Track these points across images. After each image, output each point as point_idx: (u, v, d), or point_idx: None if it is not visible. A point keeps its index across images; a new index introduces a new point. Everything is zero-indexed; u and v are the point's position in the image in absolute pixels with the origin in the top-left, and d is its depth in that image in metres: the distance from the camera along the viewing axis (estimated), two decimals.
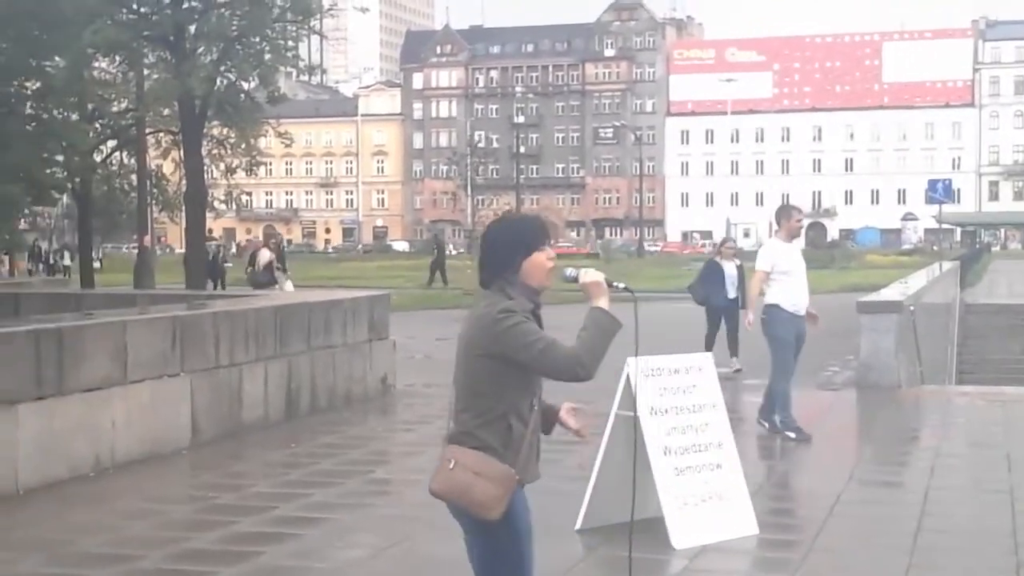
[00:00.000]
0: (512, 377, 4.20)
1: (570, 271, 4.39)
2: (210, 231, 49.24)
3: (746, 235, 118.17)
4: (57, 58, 33.47)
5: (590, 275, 4.33)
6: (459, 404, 4.30)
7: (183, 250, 45.46)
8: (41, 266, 45.66)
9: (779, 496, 8.95)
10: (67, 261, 47.49)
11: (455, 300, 30.56)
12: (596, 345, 4.18)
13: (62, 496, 8.86)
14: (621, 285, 4.41)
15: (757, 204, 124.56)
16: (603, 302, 4.27)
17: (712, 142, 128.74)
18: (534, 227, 4.37)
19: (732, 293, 17.64)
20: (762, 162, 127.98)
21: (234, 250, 41.64)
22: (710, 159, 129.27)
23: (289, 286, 29.59)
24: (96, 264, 52.40)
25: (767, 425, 11.42)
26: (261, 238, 34.84)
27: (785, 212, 11.90)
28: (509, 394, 4.21)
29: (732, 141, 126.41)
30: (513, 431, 4.22)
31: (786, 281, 11.40)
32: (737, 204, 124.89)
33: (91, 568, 6.91)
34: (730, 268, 17.60)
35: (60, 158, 36.54)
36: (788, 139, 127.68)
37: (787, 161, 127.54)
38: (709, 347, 17.35)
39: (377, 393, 14.39)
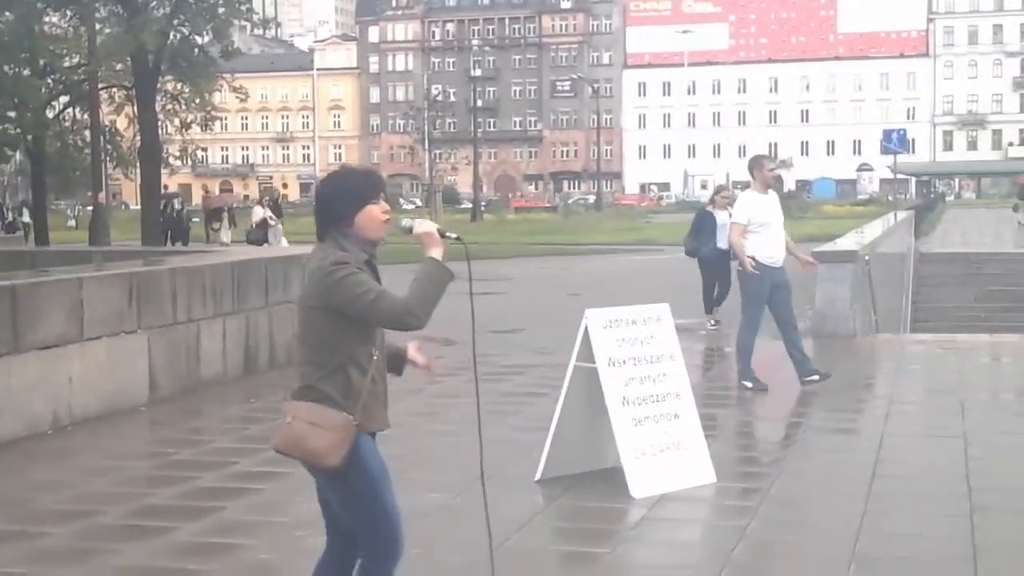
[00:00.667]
0: (348, 328, 4.26)
1: (405, 222, 4.44)
2: (165, 187, 48.74)
3: (703, 187, 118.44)
4: (7, 12, 33.01)
5: (423, 226, 4.38)
6: (300, 357, 4.38)
7: (138, 206, 45.17)
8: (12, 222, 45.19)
9: (736, 445, 9.04)
10: (26, 218, 46.80)
11: (415, 254, 30.51)
12: (427, 295, 4.26)
13: (21, 454, 8.82)
14: (453, 235, 4.50)
15: (714, 156, 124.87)
16: (436, 252, 4.34)
17: (669, 94, 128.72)
18: (366, 180, 4.42)
19: (723, 244, 17.22)
20: (719, 114, 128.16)
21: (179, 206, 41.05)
22: (667, 111, 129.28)
23: (284, 242, 29.56)
24: (72, 223, 51.55)
25: (749, 385, 11.30)
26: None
27: (757, 162, 11.85)
28: (346, 345, 4.28)
29: (689, 93, 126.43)
30: (352, 381, 4.28)
31: (764, 233, 11.30)
32: (694, 156, 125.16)
33: (52, 525, 6.90)
34: (723, 218, 16.85)
35: (12, 114, 36.12)
36: (744, 90, 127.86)
37: (744, 112, 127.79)
38: (708, 300, 17.31)
39: None
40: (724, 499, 7.62)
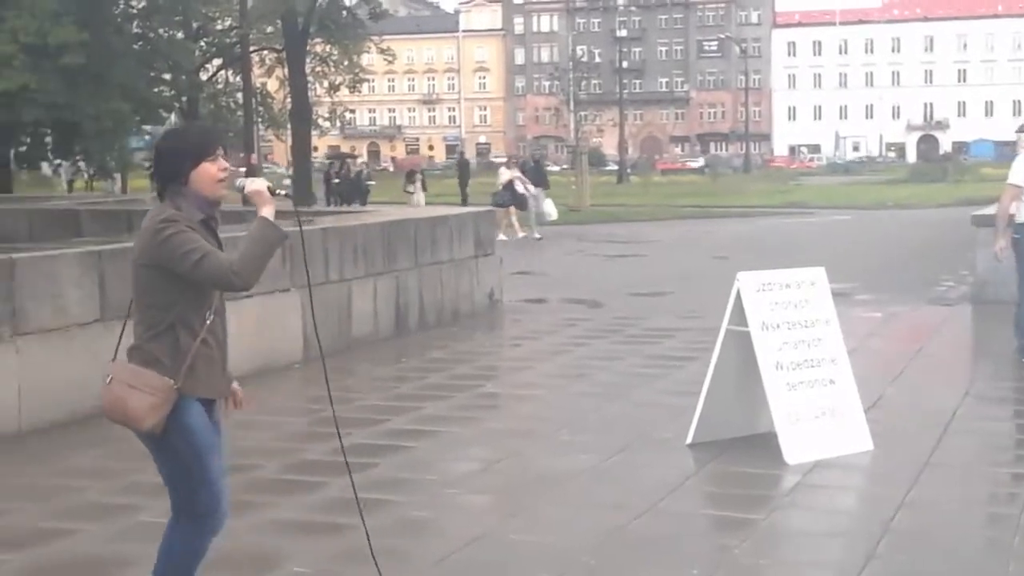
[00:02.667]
0: (179, 289, 4.16)
1: (239, 181, 4.33)
2: (315, 148, 49.55)
3: (855, 149, 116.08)
4: None
5: (253, 184, 4.27)
6: (134, 317, 4.28)
7: (288, 167, 45.89)
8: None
9: (894, 412, 8.81)
10: None
11: (561, 216, 30.44)
12: (255, 255, 4.14)
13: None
14: (283, 192, 4.36)
15: (867, 117, 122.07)
16: (267, 211, 4.21)
17: (820, 54, 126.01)
18: (201, 137, 4.33)
19: None
20: (872, 74, 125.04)
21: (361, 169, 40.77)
22: (818, 71, 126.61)
23: (549, 206, 28.77)
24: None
25: None
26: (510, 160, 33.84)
27: None
28: (177, 306, 4.18)
29: (840, 53, 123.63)
30: (180, 343, 4.18)
31: None
32: (846, 117, 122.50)
33: None
34: None
35: (167, 77, 37.01)
36: (898, 50, 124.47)
37: (897, 73, 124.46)
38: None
39: (484, 309, 14.43)
40: (880, 466, 7.43)
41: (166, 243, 4.09)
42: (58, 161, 38.66)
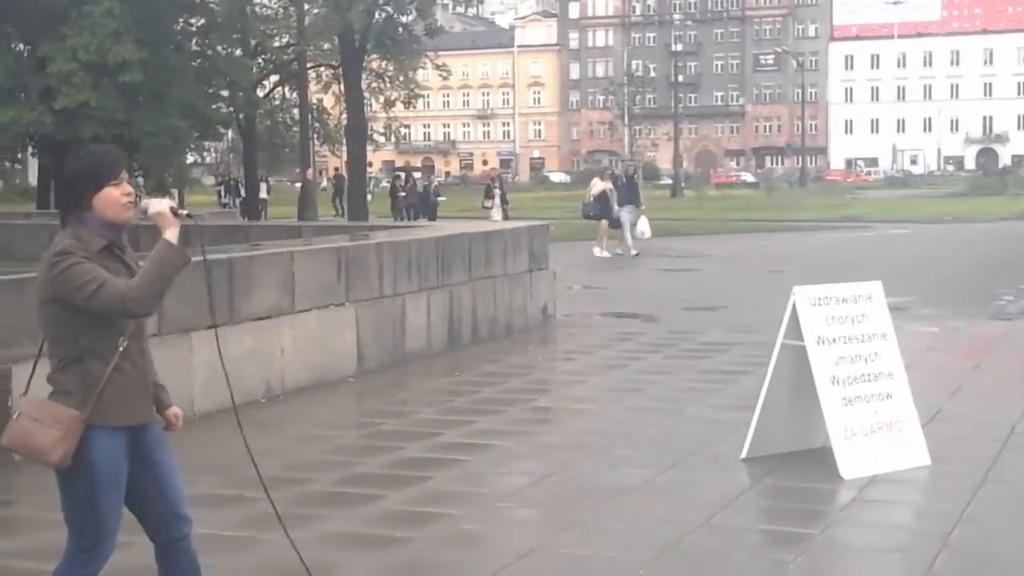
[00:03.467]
0: (82, 319, 4.03)
1: (143, 203, 4.18)
2: (370, 164, 49.80)
3: (913, 162, 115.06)
4: None
5: (156, 206, 4.13)
6: (47, 349, 4.18)
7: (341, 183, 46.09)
8: (237, 201, 44.63)
9: (952, 427, 8.71)
10: (263, 194, 45.12)
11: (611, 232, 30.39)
12: (155, 278, 4.00)
13: (235, 421, 9.09)
14: (185, 212, 4.23)
15: (924, 130, 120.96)
16: (170, 234, 4.08)
17: (877, 67, 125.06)
18: (101, 160, 4.16)
19: None
20: (930, 87, 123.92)
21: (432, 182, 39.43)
22: (875, 85, 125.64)
23: (643, 224, 27.45)
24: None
25: None
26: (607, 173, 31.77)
27: None
28: (83, 337, 4.05)
29: (899, 66, 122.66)
30: (91, 373, 4.05)
31: None
32: (903, 131, 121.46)
33: (262, 491, 7.07)
34: None
35: (225, 93, 37.35)
36: (957, 63, 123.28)
37: (956, 86, 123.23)
38: None
39: (537, 323, 14.43)
40: (938, 482, 7.35)
41: (60, 276, 3.98)
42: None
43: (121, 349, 4.09)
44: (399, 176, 39.99)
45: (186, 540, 4.35)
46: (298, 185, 44.17)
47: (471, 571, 5.72)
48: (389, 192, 38.50)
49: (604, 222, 26.17)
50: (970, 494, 6.89)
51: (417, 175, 42.71)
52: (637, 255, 25.62)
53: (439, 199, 37.78)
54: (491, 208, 32.95)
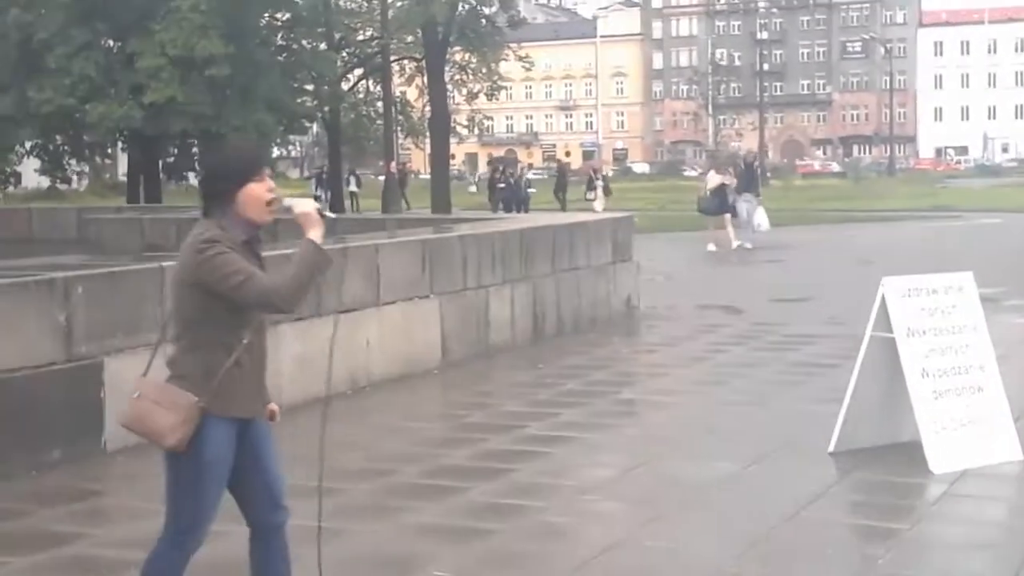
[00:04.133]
0: (218, 308, 4.07)
1: (286, 202, 4.22)
2: (453, 156, 49.96)
3: (1004, 150, 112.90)
4: None
5: (300, 206, 4.16)
6: (172, 331, 4.22)
7: (428, 175, 46.41)
8: (329, 193, 44.84)
9: None
10: (354, 187, 45.34)
11: (696, 222, 30.16)
12: (300, 279, 4.06)
13: (320, 413, 9.17)
14: (332, 215, 4.27)
15: (1016, 117, 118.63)
16: (315, 234, 4.11)
17: (968, 53, 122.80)
18: (246, 157, 4.24)
19: None
20: (1021, 73, 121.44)
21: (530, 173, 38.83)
22: (965, 71, 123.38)
23: (761, 216, 25.78)
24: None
25: None
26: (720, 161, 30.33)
27: None
28: (216, 324, 4.10)
29: (989, 52, 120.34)
30: (213, 361, 4.10)
31: None
32: (995, 118, 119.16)
33: (352, 482, 7.15)
34: None
35: (310, 87, 37.66)
36: None
37: None
38: None
39: (621, 315, 14.39)
40: None
41: (207, 263, 4.05)
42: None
43: (245, 342, 4.18)
44: (497, 168, 39.60)
45: (281, 529, 4.44)
46: (382, 178, 44.45)
47: (557, 563, 5.72)
48: (488, 184, 38.34)
49: (725, 217, 25.00)
50: None
51: (518, 167, 42.24)
52: (752, 248, 24.47)
53: (530, 191, 37.46)
54: (594, 200, 32.20)
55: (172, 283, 4.25)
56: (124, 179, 43.12)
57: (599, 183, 33.17)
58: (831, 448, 7.59)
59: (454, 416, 9.26)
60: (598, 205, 31.37)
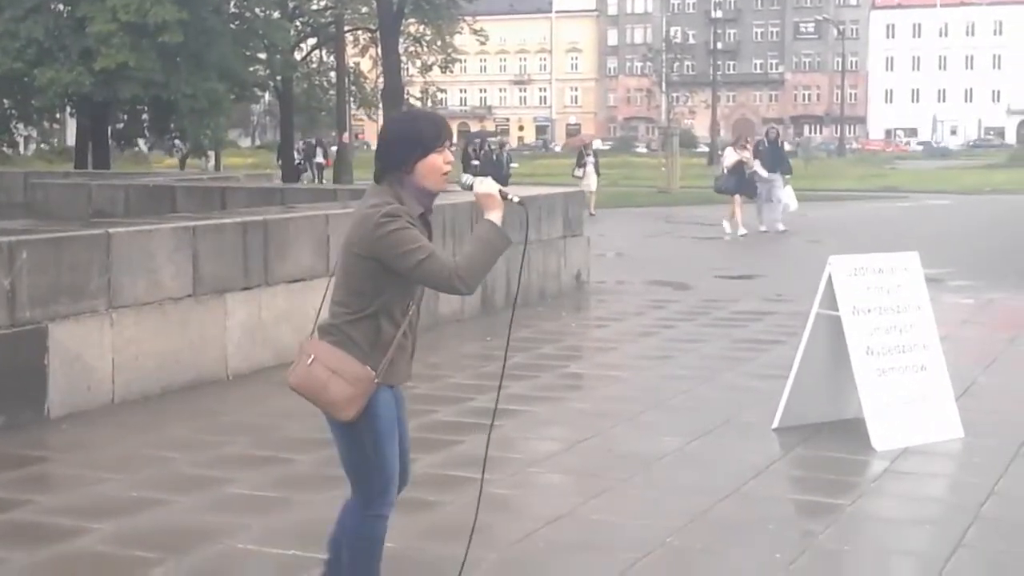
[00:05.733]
0: (389, 280, 4.06)
1: (466, 178, 4.20)
2: (485, 129, 49.73)
3: (953, 133, 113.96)
4: None
5: (484, 186, 4.13)
6: (335, 296, 4.21)
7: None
8: (312, 163, 43.72)
9: (986, 400, 8.66)
10: (320, 159, 44.15)
11: (649, 198, 30.28)
12: (480, 259, 4.04)
13: (268, 382, 9.16)
14: (516, 199, 4.20)
15: (966, 101, 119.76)
16: (495, 216, 4.09)
17: (919, 36, 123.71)
18: (432, 126, 4.17)
19: None
20: (972, 57, 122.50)
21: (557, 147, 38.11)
22: (916, 54, 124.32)
23: (788, 195, 24.13)
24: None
25: None
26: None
27: None
28: (384, 296, 4.09)
29: (941, 35, 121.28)
30: (382, 332, 4.10)
31: None
32: (944, 101, 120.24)
33: (296, 452, 7.15)
34: None
35: (262, 56, 37.37)
36: (1000, 32, 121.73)
37: (999, 56, 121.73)
38: None
39: (571, 289, 14.42)
40: (972, 455, 7.32)
41: (387, 238, 3.99)
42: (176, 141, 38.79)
43: (411, 314, 4.17)
44: (472, 142, 38.66)
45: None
46: (334, 148, 44.19)
47: (500, 535, 5.74)
48: (462, 158, 37.85)
49: (736, 198, 23.15)
50: (1002, 467, 6.86)
51: (493, 141, 41.02)
52: (785, 231, 23.13)
53: (512, 166, 35.95)
54: (582, 177, 29.93)
55: (343, 250, 4.17)
56: (72, 144, 42.65)
57: (590, 159, 31.01)
58: (775, 424, 7.66)
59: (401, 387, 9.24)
60: (589, 183, 29.17)
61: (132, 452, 7.22)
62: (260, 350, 9.62)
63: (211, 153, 44.06)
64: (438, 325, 11.77)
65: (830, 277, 7.52)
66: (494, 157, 34.20)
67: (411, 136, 4.12)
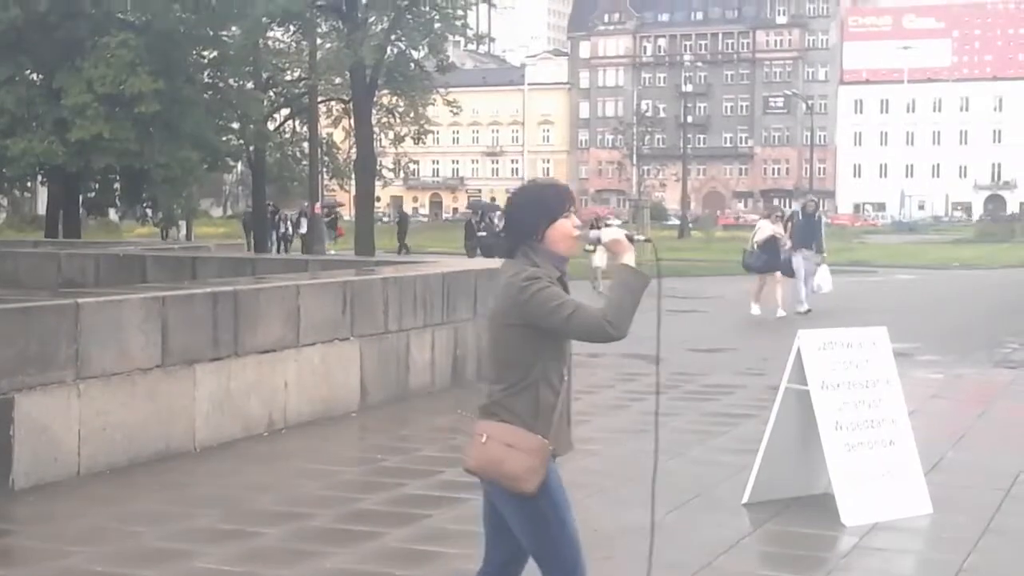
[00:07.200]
0: (541, 346, 4.12)
1: (592, 233, 4.32)
2: (378, 199, 49.88)
3: (920, 208, 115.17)
4: (233, 27, 34.29)
5: (610, 233, 4.24)
6: (491, 376, 4.24)
7: (352, 218, 46.29)
8: (276, 236, 43.73)
9: (955, 475, 8.68)
10: (303, 229, 44.29)
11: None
12: (624, 303, 4.11)
13: (237, 455, 9.10)
14: (643, 237, 4.34)
15: (933, 176, 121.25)
16: (628, 258, 4.18)
17: (887, 112, 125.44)
18: (557, 194, 4.29)
19: None
20: (939, 132, 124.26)
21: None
22: (884, 129, 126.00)
23: (824, 273, 21.42)
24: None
25: None
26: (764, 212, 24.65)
27: None
28: (539, 364, 4.13)
29: (908, 111, 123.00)
30: (542, 401, 4.13)
31: None
32: (912, 176, 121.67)
33: (265, 525, 7.08)
34: None
35: (235, 125, 37.46)
36: (967, 109, 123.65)
37: (965, 132, 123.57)
38: None
39: None
40: (940, 531, 7.32)
41: (534, 298, 4.07)
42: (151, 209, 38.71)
43: (566, 379, 4.20)
44: (476, 212, 38.96)
45: None
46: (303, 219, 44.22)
47: None
48: (465, 229, 37.42)
49: (776, 275, 21.16)
50: (972, 543, 6.86)
51: (497, 213, 41.11)
52: (809, 312, 20.61)
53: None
54: (593, 252, 23.93)
55: (493, 327, 4.23)
56: (43, 213, 42.51)
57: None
58: (745, 499, 7.65)
59: (371, 460, 9.20)
60: (599, 259, 25.85)
61: (99, 525, 7.14)
62: (229, 422, 9.56)
63: (182, 223, 44.05)
64: (409, 397, 11.75)
65: (799, 351, 7.55)
66: (496, 228, 34.56)
67: (539, 205, 4.24)
